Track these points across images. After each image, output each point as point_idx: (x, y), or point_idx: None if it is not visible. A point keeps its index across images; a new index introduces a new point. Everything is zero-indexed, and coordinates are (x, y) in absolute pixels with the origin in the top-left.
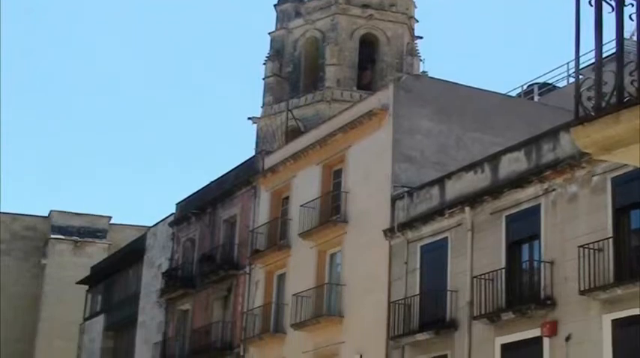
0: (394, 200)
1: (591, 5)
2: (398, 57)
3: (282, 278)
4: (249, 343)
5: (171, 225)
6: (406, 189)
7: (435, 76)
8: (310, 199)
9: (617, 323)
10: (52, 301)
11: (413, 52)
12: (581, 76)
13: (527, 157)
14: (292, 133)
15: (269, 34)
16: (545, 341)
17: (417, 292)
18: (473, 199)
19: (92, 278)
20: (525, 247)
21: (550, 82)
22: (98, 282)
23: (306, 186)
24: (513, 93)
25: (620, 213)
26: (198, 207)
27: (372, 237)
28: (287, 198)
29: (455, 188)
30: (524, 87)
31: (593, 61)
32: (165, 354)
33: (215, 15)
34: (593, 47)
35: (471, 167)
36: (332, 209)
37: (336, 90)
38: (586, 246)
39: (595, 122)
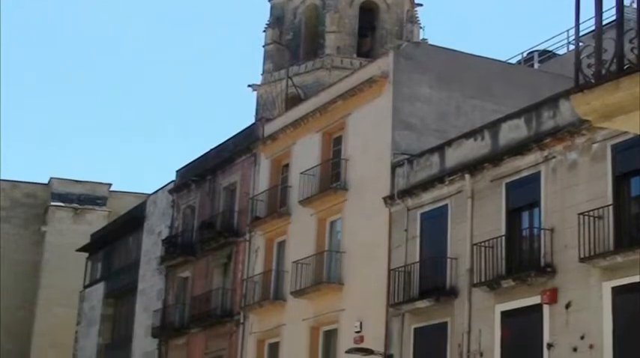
0: (394, 167)
1: None
2: (398, 24)
3: (282, 245)
4: (248, 310)
5: (171, 192)
6: (406, 156)
7: (435, 44)
8: (310, 166)
9: (617, 291)
10: (52, 268)
11: (413, 20)
12: (581, 44)
13: (527, 124)
14: (292, 101)
15: (269, 1)
16: (545, 308)
17: (417, 259)
18: (473, 166)
19: (92, 246)
20: (525, 214)
21: (550, 49)
22: (98, 250)
23: (306, 154)
24: (513, 61)
25: (620, 181)
26: (198, 174)
27: (372, 204)
28: (287, 165)
29: (455, 155)
30: (524, 54)
31: (593, 28)
32: (165, 321)
33: None
34: (593, 14)
35: (471, 134)
36: (332, 176)
37: (336, 58)
38: (586, 213)
39: (595, 89)
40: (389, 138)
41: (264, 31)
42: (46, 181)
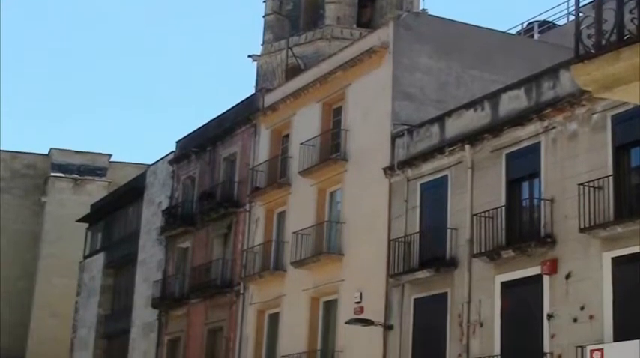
0: (394, 138)
1: None
2: None
3: (282, 216)
4: (248, 281)
5: (171, 162)
6: (406, 126)
7: (435, 14)
8: (310, 137)
9: (617, 261)
10: (52, 239)
11: None
12: (581, 14)
13: (527, 95)
14: (292, 71)
15: None
16: (545, 278)
17: (417, 230)
18: (473, 137)
19: (92, 216)
20: (525, 185)
21: (550, 19)
22: (98, 220)
23: (306, 124)
24: (513, 31)
25: (620, 151)
26: (198, 144)
27: (372, 174)
28: (287, 135)
29: (455, 126)
30: (524, 25)
31: None
32: (165, 292)
33: None
34: None
35: (471, 105)
36: (332, 147)
37: (336, 28)
38: (586, 183)
39: (595, 60)
40: (389, 108)
41: (264, 1)
42: (46, 152)
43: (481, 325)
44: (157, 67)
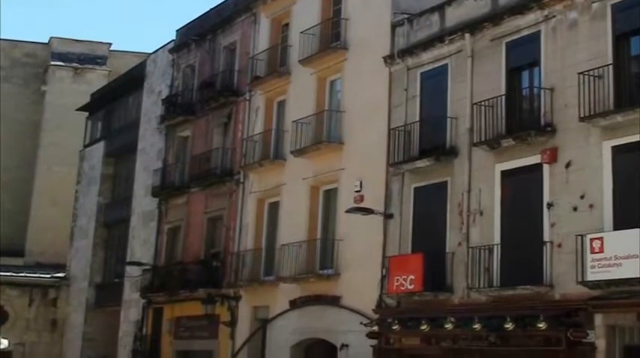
0: (394, 26)
1: None
2: None
3: (282, 104)
4: (248, 169)
5: (171, 51)
6: (406, 15)
7: None
8: (310, 26)
9: (616, 150)
10: (52, 128)
11: None
12: None
13: None
14: None
15: None
16: (545, 167)
17: (417, 119)
18: (473, 26)
19: (92, 105)
20: (525, 74)
21: None
22: (98, 109)
23: (306, 13)
24: None
25: (620, 40)
26: (198, 33)
27: (372, 63)
28: (287, 24)
29: (455, 15)
30: None
31: None
32: (165, 181)
33: None
34: None
35: None
36: (332, 36)
37: None
38: (586, 72)
39: None
40: None
41: None
42: (45, 40)
43: (481, 214)
44: None
